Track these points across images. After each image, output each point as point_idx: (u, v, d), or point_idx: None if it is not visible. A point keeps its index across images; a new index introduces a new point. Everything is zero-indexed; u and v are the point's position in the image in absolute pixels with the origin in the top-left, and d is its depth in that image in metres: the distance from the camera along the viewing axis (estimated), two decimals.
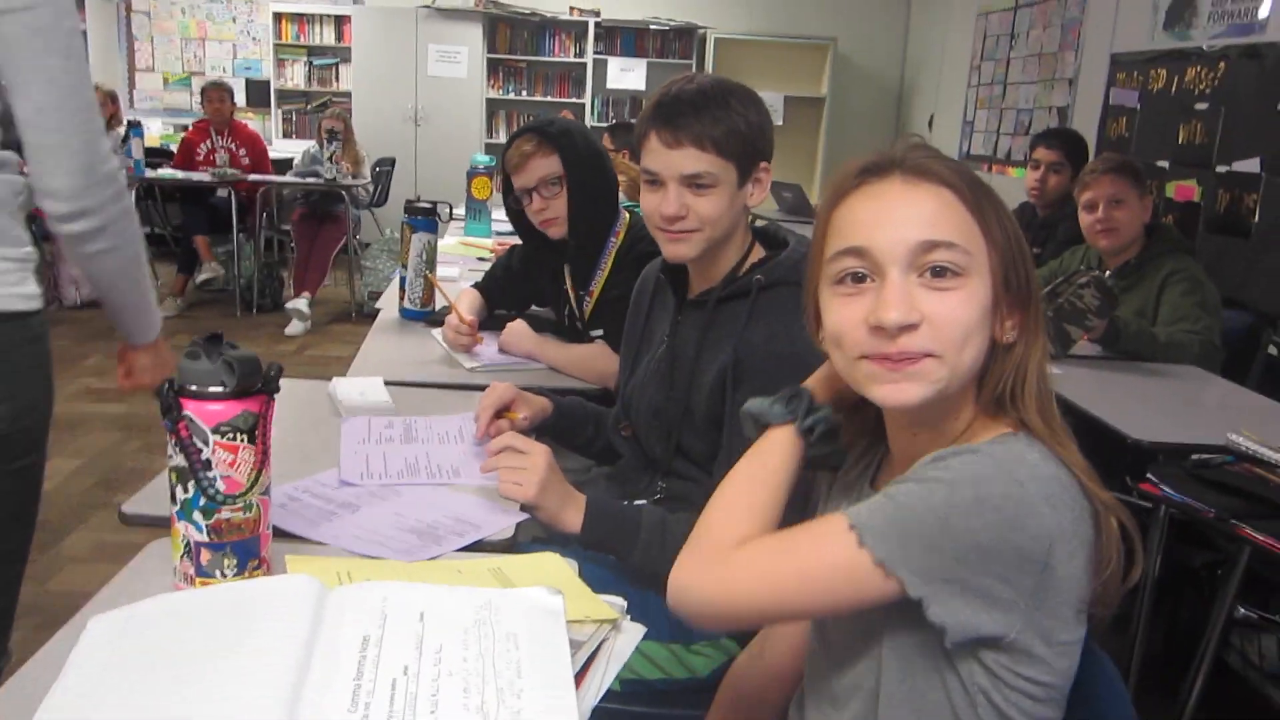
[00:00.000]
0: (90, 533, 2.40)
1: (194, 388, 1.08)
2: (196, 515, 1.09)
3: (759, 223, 1.74)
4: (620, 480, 1.72)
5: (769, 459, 1.08)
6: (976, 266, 0.93)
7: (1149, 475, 1.72)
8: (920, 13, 8.13)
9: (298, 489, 1.43)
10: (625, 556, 1.46)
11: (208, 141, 6.41)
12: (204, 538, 1.09)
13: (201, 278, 6.21)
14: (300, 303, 5.87)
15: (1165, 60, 4.69)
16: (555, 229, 2.23)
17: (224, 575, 1.10)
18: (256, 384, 1.10)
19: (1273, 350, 3.22)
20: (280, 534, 1.30)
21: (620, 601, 1.13)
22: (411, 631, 0.89)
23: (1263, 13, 4.07)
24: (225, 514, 1.09)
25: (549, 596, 0.98)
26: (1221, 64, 4.28)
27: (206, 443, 1.07)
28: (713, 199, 1.52)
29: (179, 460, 1.08)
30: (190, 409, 1.07)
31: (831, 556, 0.91)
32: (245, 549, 1.12)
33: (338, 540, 1.28)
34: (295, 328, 5.81)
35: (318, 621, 0.90)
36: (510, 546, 1.34)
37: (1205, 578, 2.23)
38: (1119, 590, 0.93)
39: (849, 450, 1.13)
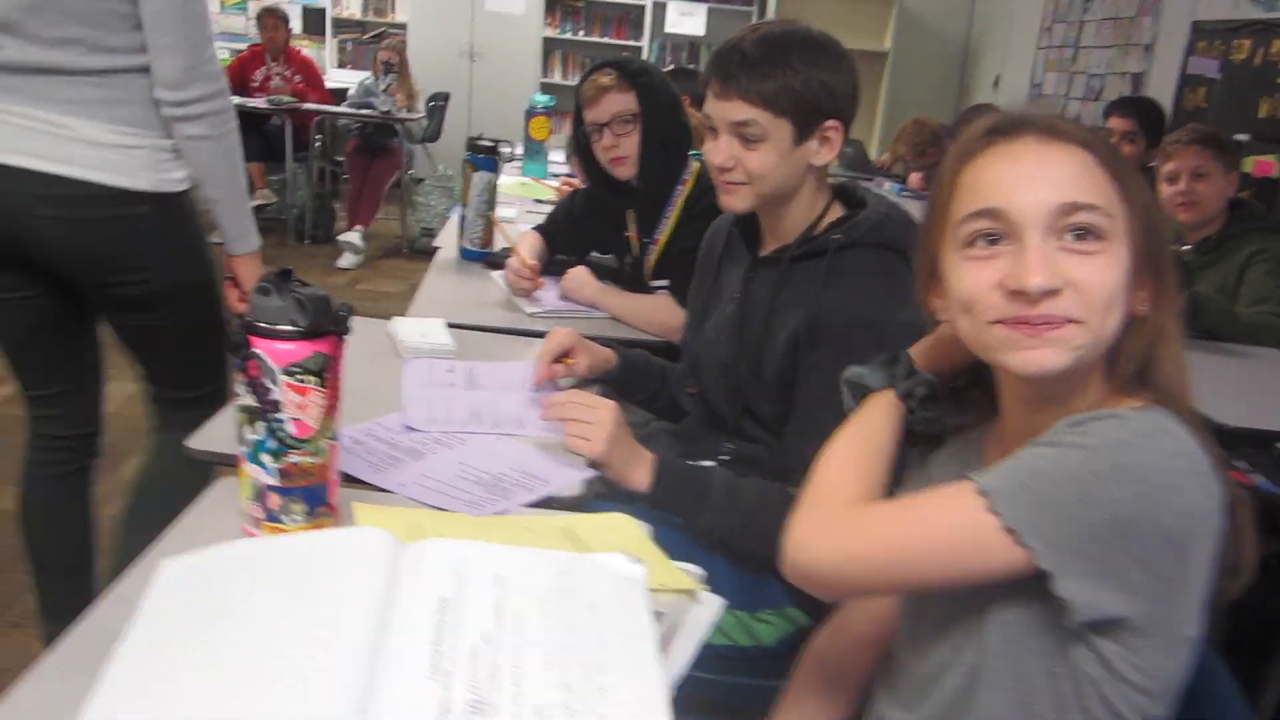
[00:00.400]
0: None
1: (264, 325, 1.04)
2: (265, 457, 1.05)
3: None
4: (685, 439, 1.68)
5: (871, 424, 1.05)
6: (1117, 231, 0.88)
7: (1236, 463, 1.65)
8: None
9: (362, 431, 1.40)
10: (693, 518, 1.42)
11: (263, 68, 6.35)
12: (273, 481, 1.06)
13: (254, 203, 6.19)
14: (353, 236, 5.84)
15: (1250, 30, 4.51)
16: (623, 169, 2.17)
17: (293, 520, 1.07)
18: (328, 324, 1.06)
19: None
20: (346, 478, 1.27)
21: (698, 570, 1.09)
22: (490, 596, 0.85)
23: None
24: (294, 458, 1.06)
25: (630, 565, 0.94)
26: None
27: (276, 382, 1.03)
28: (761, 153, 1.48)
29: (248, 399, 1.04)
30: (260, 347, 1.03)
31: (958, 521, 0.86)
32: (314, 494, 1.08)
33: (403, 488, 1.24)
34: (348, 260, 5.79)
35: (393, 579, 0.86)
36: (577, 504, 1.30)
37: (1276, 566, 2.15)
38: (1235, 587, 0.87)
39: (954, 429, 1.07)
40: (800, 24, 1.52)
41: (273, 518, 1.07)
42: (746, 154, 1.48)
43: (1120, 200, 0.88)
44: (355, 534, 0.93)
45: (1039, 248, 0.86)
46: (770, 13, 7.88)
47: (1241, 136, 4.44)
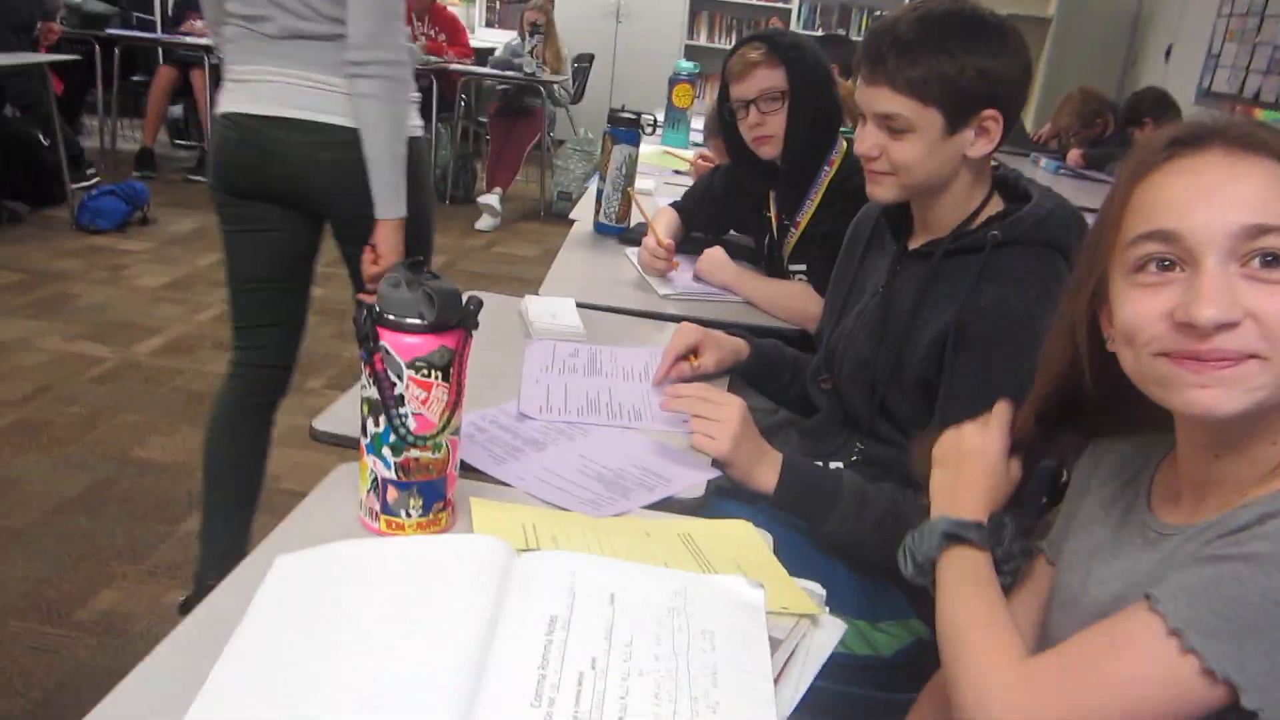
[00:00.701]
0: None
1: (392, 317, 1.02)
2: (385, 451, 1.04)
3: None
4: (815, 436, 1.62)
5: (982, 574, 1.00)
6: None
7: None
8: None
9: (484, 418, 1.39)
10: (819, 524, 1.37)
11: (409, 26, 6.43)
12: (392, 475, 1.05)
13: None
14: (492, 198, 5.91)
15: None
16: (768, 148, 2.10)
17: (409, 515, 1.06)
18: (455, 318, 1.04)
19: None
20: (465, 468, 1.27)
21: (819, 591, 1.04)
22: (601, 616, 0.82)
23: None
24: (414, 453, 1.04)
25: (750, 590, 0.90)
26: None
27: (400, 377, 1.02)
28: (908, 144, 1.40)
29: (372, 392, 1.03)
30: (387, 340, 1.02)
31: (1155, 675, 0.75)
32: (432, 490, 1.07)
33: (522, 482, 1.22)
34: (485, 223, 5.86)
35: (504, 592, 0.84)
36: (699, 503, 1.27)
37: None
38: None
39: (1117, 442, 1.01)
40: (967, 3, 1.42)
41: (389, 511, 1.06)
42: (892, 144, 1.42)
43: None
44: (469, 542, 0.92)
45: (1216, 275, 0.77)
46: None
47: None
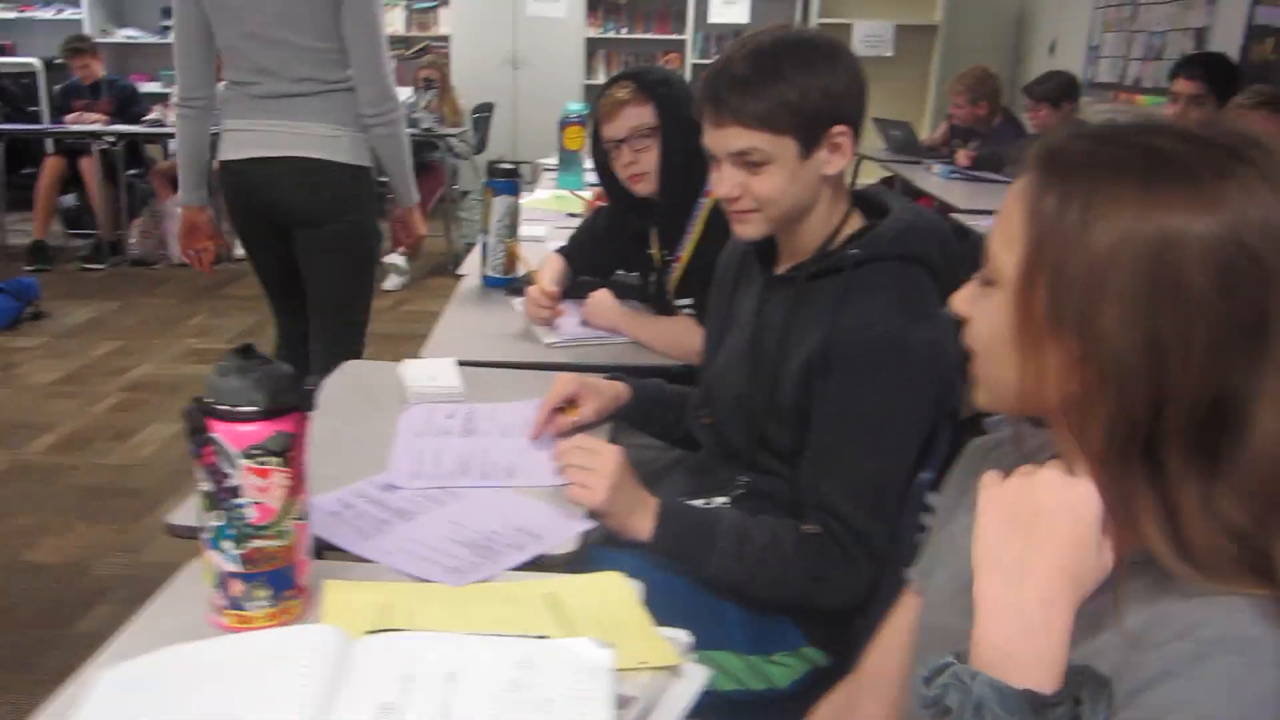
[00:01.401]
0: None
1: (222, 407, 1.00)
2: (226, 544, 1.02)
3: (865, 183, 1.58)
4: (700, 472, 1.60)
5: None
6: None
7: None
8: None
9: (353, 493, 1.35)
10: (701, 567, 1.35)
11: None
12: (236, 568, 1.02)
13: None
14: (397, 257, 5.85)
15: None
16: (643, 185, 2.10)
17: (258, 607, 1.03)
18: (291, 401, 1.02)
19: None
20: (331, 548, 1.24)
21: (685, 639, 1.02)
22: (436, 700, 0.80)
23: None
24: (257, 543, 1.02)
25: (597, 651, 0.88)
26: None
27: (235, 467, 0.99)
28: (769, 177, 1.39)
29: (208, 485, 1.00)
30: (218, 431, 0.99)
31: None
32: (280, 578, 1.04)
33: (387, 557, 1.19)
34: (392, 282, 5.80)
35: (335, 684, 0.81)
36: (574, 559, 1.25)
37: None
38: None
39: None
40: (790, 28, 1.43)
41: (236, 605, 1.03)
42: (753, 180, 1.40)
43: None
44: (300, 634, 0.89)
45: None
46: None
47: None
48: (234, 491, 1.00)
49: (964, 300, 0.83)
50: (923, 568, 1.04)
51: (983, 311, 0.80)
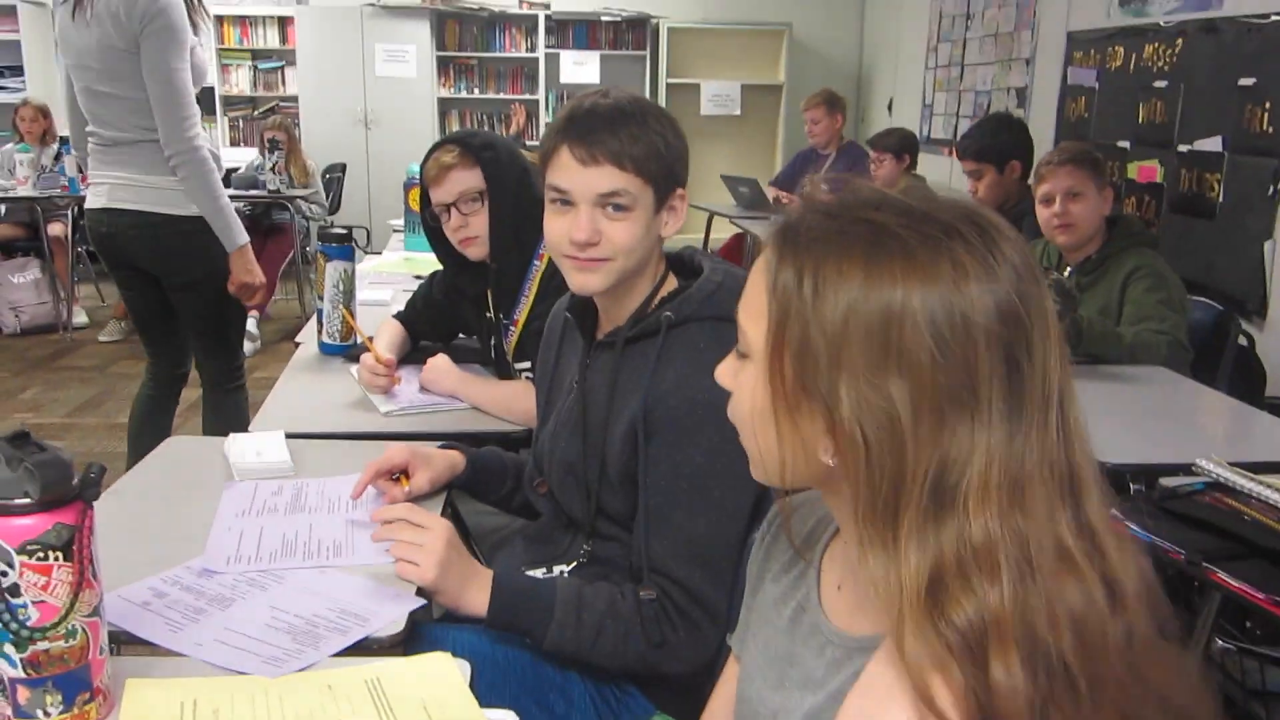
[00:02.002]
0: None
1: None
2: (8, 649, 0.94)
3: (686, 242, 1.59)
4: (540, 541, 1.57)
5: None
6: None
7: (1114, 512, 1.58)
8: None
9: (166, 581, 1.28)
10: (540, 638, 1.31)
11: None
12: (19, 674, 0.94)
13: None
14: (249, 323, 5.67)
15: (1122, 37, 4.57)
16: (474, 249, 2.08)
17: (47, 714, 0.95)
18: (71, 491, 0.95)
19: (1242, 341, 3.10)
20: (138, 641, 1.16)
21: (512, 718, 0.99)
22: None
23: None
24: (43, 645, 0.94)
25: None
26: (1179, 40, 4.16)
27: (11, 565, 0.92)
28: (628, 224, 1.38)
29: None
30: None
31: None
32: (73, 681, 0.97)
33: (199, 649, 1.12)
34: (245, 349, 5.61)
35: None
36: (404, 639, 1.20)
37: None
38: None
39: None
40: (631, 91, 1.44)
41: (24, 714, 0.95)
42: (611, 225, 1.37)
43: None
44: None
45: None
46: (662, 56, 7.89)
47: (1123, 143, 4.49)
48: (12, 591, 0.92)
49: (725, 374, 0.85)
50: (738, 634, 1.03)
51: (740, 385, 0.81)
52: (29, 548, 0.92)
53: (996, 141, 3.72)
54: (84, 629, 0.97)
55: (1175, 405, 2.30)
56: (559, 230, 1.40)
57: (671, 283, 1.47)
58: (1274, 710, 1.97)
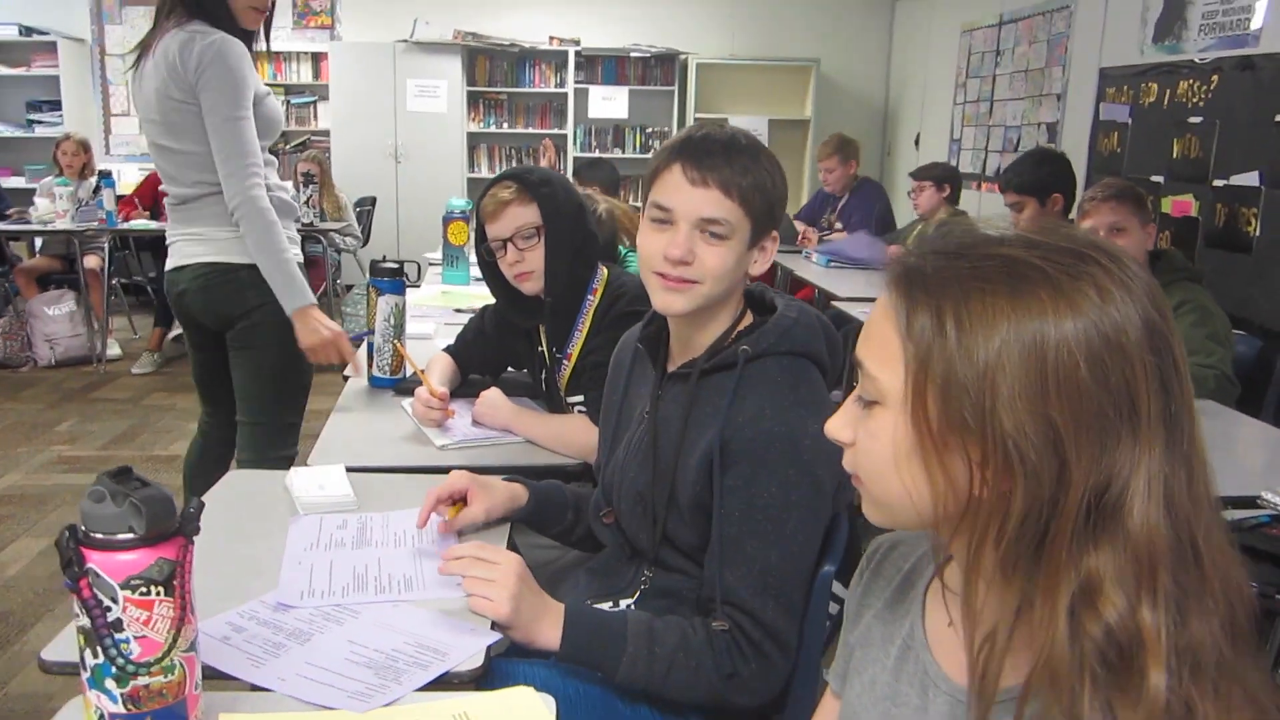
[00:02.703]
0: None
1: (98, 535, 0.94)
2: (109, 684, 0.95)
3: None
4: (603, 574, 1.57)
5: None
6: None
7: None
8: (903, 31, 8.05)
9: (242, 615, 1.29)
10: (611, 672, 1.32)
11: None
12: (120, 709, 0.96)
13: (174, 332, 6.02)
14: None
15: (1156, 73, 4.59)
16: (530, 284, 2.10)
17: None
18: (172, 526, 0.96)
19: None
20: (221, 676, 1.17)
21: None
22: None
23: (1255, 24, 3.96)
24: (143, 680, 0.95)
25: None
26: (1214, 76, 4.18)
27: (115, 600, 0.93)
28: (722, 252, 1.41)
29: (85, 621, 0.94)
30: (95, 561, 0.93)
31: None
32: (170, 715, 0.98)
33: (283, 684, 1.13)
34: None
35: None
36: (482, 674, 1.20)
37: None
38: None
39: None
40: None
41: None
42: (707, 250, 1.40)
43: None
44: None
45: None
46: (690, 91, 7.96)
47: (1157, 178, 4.50)
48: (115, 626, 0.94)
49: (843, 426, 0.84)
50: (836, 670, 1.03)
51: (870, 433, 0.81)
52: (133, 583, 0.94)
53: (1039, 175, 3.74)
54: (182, 664, 0.98)
55: (1227, 439, 2.29)
56: (654, 246, 1.42)
57: (748, 318, 1.49)
58: None
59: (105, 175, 5.85)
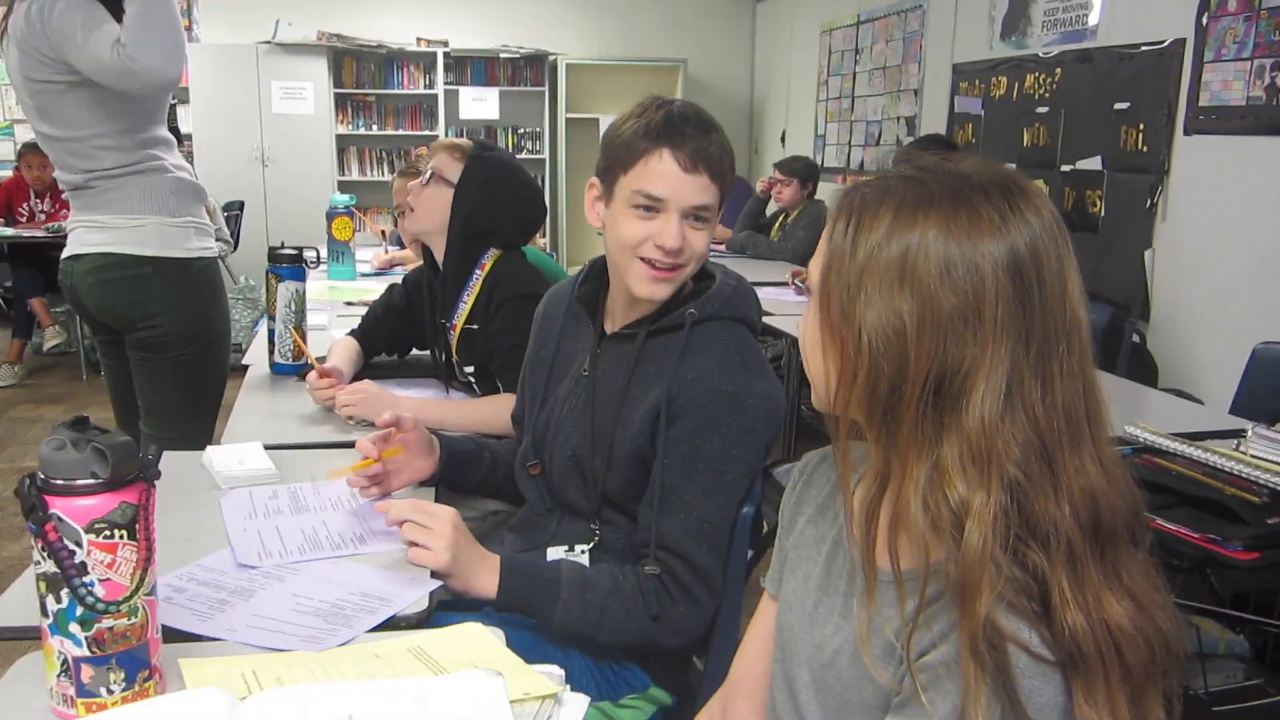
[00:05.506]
0: None
1: (60, 481, 0.96)
2: (74, 627, 0.97)
3: None
4: (526, 529, 1.62)
5: None
6: None
7: None
8: (765, 31, 8.28)
9: (181, 578, 1.30)
10: (547, 617, 1.38)
11: (27, 203, 6.03)
12: (84, 652, 0.97)
13: (48, 345, 5.79)
14: None
15: (1005, 68, 4.87)
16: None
17: (111, 692, 0.98)
18: (134, 471, 0.99)
19: (1135, 338, 3.34)
20: (169, 633, 1.18)
21: (558, 671, 1.06)
22: None
23: (1093, 20, 4.26)
24: (107, 623, 0.97)
25: (489, 680, 0.90)
26: (1058, 69, 4.47)
27: (80, 544, 0.95)
28: (704, 234, 1.46)
29: (48, 566, 0.96)
30: (58, 506, 0.95)
31: None
32: (133, 659, 1.00)
33: (234, 634, 1.16)
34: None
35: None
36: (425, 619, 1.25)
37: None
38: None
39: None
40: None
41: (87, 693, 0.98)
42: (693, 234, 1.43)
43: None
44: (184, 699, 0.86)
45: None
46: (561, 92, 8.03)
47: (1009, 165, 4.77)
48: (81, 569, 0.95)
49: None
50: (772, 576, 1.12)
51: (804, 320, 0.94)
52: (97, 525, 0.95)
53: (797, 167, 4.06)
54: (144, 607, 1.00)
55: None
56: (639, 232, 1.43)
57: (688, 284, 1.54)
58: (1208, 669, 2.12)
59: None
